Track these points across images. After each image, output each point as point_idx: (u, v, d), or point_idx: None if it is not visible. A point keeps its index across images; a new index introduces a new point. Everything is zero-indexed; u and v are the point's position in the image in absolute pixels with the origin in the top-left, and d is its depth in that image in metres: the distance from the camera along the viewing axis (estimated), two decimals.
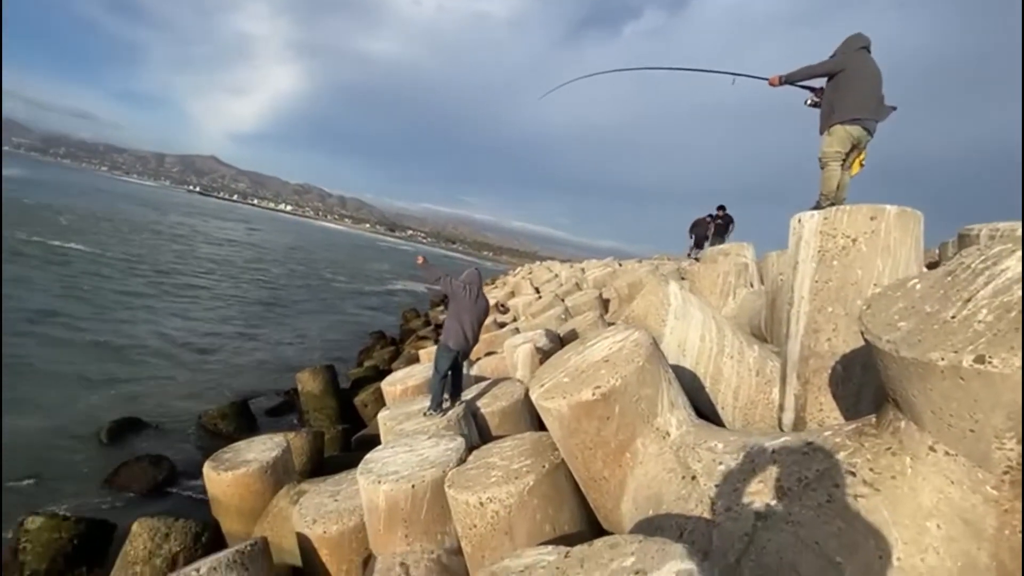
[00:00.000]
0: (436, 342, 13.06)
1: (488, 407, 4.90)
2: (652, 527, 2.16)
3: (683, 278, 9.61)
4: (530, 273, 25.90)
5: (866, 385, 2.62)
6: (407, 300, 31.97)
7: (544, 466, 2.89)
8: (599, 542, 1.58)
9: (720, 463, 2.16)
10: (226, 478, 4.59)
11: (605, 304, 9.08)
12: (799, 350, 2.83)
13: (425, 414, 4.78)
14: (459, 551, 3.21)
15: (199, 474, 6.82)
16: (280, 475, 4.80)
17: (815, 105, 4.64)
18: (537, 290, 15.78)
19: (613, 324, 4.15)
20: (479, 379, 6.33)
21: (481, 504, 2.78)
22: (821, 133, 4.50)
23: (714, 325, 4.25)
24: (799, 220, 2.86)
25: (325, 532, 3.56)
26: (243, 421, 8.65)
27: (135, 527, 4.39)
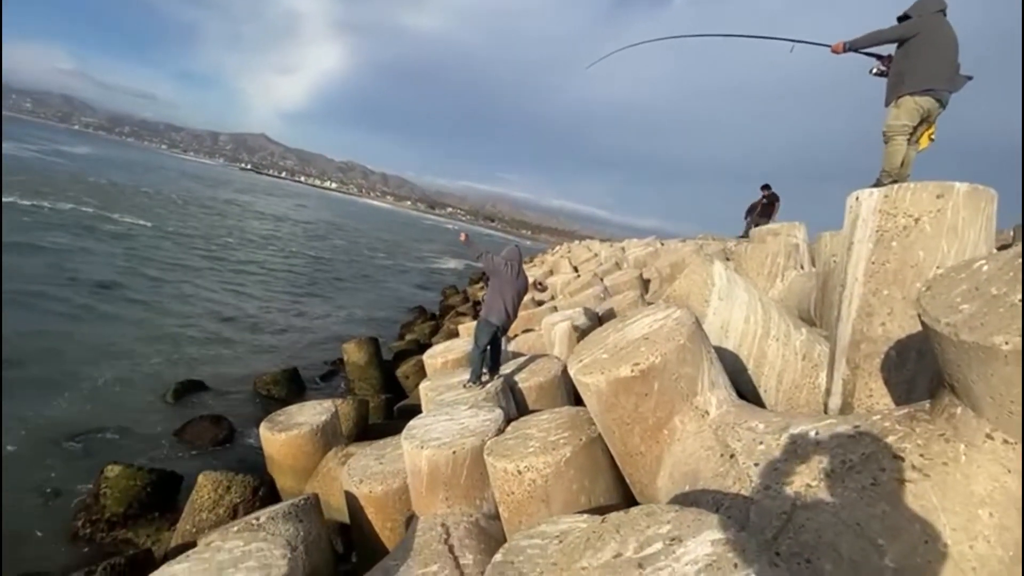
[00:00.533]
0: (475, 318, 13.28)
1: (526, 382, 4.99)
2: (688, 501, 2.19)
3: (728, 259, 9.32)
4: (568, 252, 25.72)
5: (921, 374, 2.51)
6: (447, 278, 32.53)
7: (581, 439, 2.95)
8: (635, 510, 1.63)
9: (760, 443, 2.15)
10: (280, 438, 4.92)
11: (645, 284, 8.96)
12: (850, 334, 2.73)
13: (465, 386, 4.93)
14: (496, 516, 3.34)
15: (254, 433, 7.31)
16: (329, 438, 5.10)
17: (881, 74, 4.33)
18: (576, 269, 15.70)
19: (652, 304, 4.12)
20: (516, 355, 6.44)
21: (519, 472, 2.88)
22: (887, 105, 4.21)
23: (760, 307, 4.14)
24: (856, 198, 2.73)
25: (371, 492, 3.78)
26: (293, 387, 9.16)
27: (200, 479, 4.78)
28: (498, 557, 2.35)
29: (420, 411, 5.17)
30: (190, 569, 2.52)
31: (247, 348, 12.06)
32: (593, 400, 2.70)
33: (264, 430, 5.08)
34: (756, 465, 2.06)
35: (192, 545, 4.07)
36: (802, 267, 7.05)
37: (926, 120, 4.09)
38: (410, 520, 3.66)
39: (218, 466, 5.49)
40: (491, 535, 3.26)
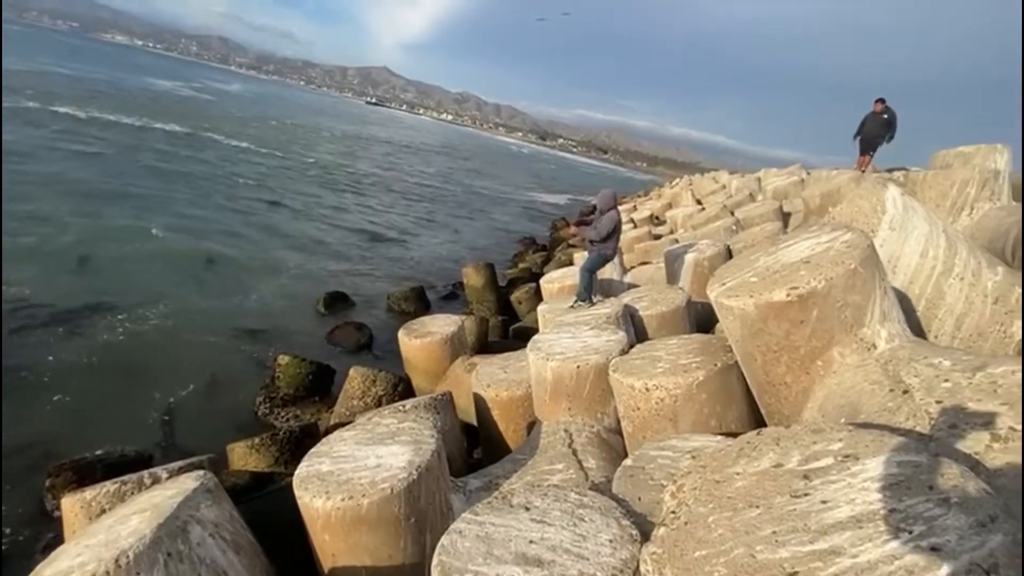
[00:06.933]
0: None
1: (647, 311, 4.89)
2: None
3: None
4: (690, 184, 23.82)
5: None
6: (551, 211, 32.43)
7: (715, 365, 2.85)
8: (797, 426, 1.55)
9: (946, 380, 1.90)
10: (416, 343, 5.48)
11: (785, 219, 8.05)
12: None
13: (572, 306, 5.01)
14: (617, 430, 3.45)
15: (389, 340, 8.20)
16: (456, 347, 5.56)
17: None
18: (699, 201, 14.56)
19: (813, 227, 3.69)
20: (633, 286, 6.30)
21: (647, 389, 2.89)
22: None
23: (943, 240, 3.52)
24: None
25: (497, 395, 4.10)
26: (421, 304, 10.02)
27: (352, 372, 5.55)
28: (628, 462, 2.44)
29: (535, 332, 5.38)
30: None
31: (379, 267, 13.38)
32: (736, 325, 2.56)
33: (403, 335, 5.69)
34: (938, 403, 1.83)
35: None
36: (1000, 200, 5.78)
37: None
38: (532, 425, 3.93)
39: (362, 364, 6.31)
40: (612, 446, 3.38)
